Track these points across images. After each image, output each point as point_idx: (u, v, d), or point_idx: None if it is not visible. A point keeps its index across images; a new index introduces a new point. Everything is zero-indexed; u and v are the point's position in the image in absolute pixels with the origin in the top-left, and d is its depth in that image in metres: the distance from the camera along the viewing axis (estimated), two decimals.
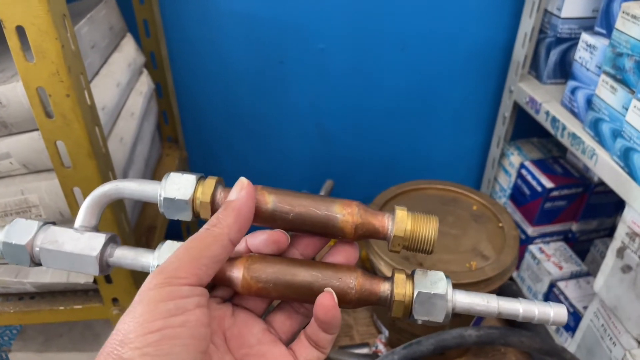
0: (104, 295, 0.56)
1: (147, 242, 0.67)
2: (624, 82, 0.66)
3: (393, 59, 0.97)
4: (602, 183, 0.87)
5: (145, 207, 0.72)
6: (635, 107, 0.62)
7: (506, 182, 1.01)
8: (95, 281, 0.55)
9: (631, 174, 0.63)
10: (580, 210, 0.91)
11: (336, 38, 0.93)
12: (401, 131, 1.07)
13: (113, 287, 0.55)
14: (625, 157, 0.64)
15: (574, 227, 0.94)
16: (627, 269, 0.69)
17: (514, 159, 0.98)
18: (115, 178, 0.50)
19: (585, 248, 0.96)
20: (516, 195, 0.97)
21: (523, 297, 0.64)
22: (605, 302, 0.74)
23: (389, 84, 1.00)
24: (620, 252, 0.70)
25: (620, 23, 0.66)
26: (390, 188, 0.66)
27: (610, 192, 0.89)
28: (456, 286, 0.52)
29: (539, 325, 0.59)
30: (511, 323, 0.63)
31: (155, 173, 0.81)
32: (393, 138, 1.08)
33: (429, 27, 0.94)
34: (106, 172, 0.48)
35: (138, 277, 0.56)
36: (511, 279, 0.79)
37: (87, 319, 0.60)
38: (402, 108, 1.04)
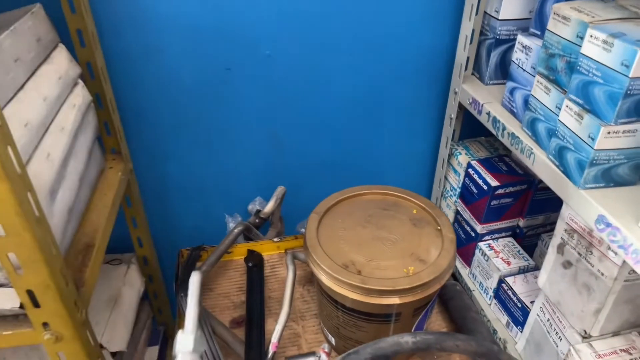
0: (32, 320, 0.54)
1: (84, 261, 0.64)
2: (556, 82, 0.68)
3: (340, 64, 0.97)
4: None
5: (83, 223, 0.69)
6: (567, 106, 0.64)
7: (456, 181, 1.02)
8: (22, 306, 0.53)
9: (565, 172, 0.65)
10: (526, 207, 0.93)
11: (282, 44, 0.92)
12: (353, 135, 1.07)
13: (41, 311, 0.53)
14: (559, 156, 0.66)
15: (521, 223, 0.96)
16: (567, 264, 0.71)
17: (462, 158, 0.99)
18: (34, 199, 0.48)
19: (533, 243, 0.98)
20: (465, 194, 0.99)
21: (467, 297, 0.65)
22: (549, 298, 0.76)
23: (338, 89, 1.00)
24: (561, 248, 0.72)
25: (551, 24, 0.68)
26: (332, 195, 0.66)
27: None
28: (395, 292, 0.52)
29: (481, 326, 0.60)
30: (457, 329, 0.64)
31: (96, 187, 0.79)
32: (345, 142, 1.08)
33: (373, 32, 0.94)
34: (23, 193, 0.46)
35: (67, 299, 0.53)
36: (455, 278, 0.80)
37: (18, 344, 0.57)
38: (353, 112, 1.04)
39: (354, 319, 0.57)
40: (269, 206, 0.85)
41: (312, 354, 0.58)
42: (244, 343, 0.60)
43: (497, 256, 0.92)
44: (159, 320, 1.13)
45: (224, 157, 1.02)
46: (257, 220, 0.84)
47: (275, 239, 0.79)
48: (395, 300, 0.51)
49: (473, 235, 0.97)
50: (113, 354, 0.83)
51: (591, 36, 0.58)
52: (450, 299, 0.65)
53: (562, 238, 0.71)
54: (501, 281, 0.89)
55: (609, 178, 0.61)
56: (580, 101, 0.61)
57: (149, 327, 1.07)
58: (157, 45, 0.87)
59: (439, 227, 0.59)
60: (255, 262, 0.74)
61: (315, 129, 1.04)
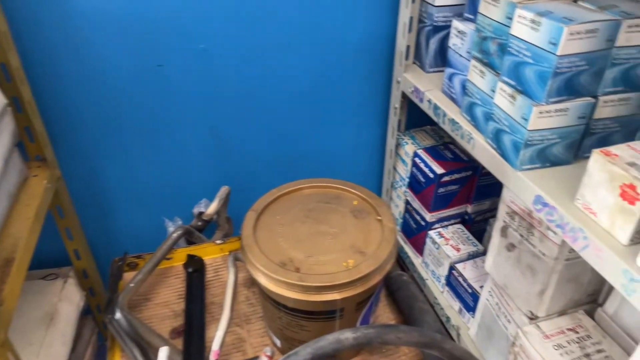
0: None
1: (2, 278, 0.59)
2: (490, 65, 0.67)
3: (280, 56, 0.94)
4: None
5: (1, 237, 0.63)
6: (500, 89, 0.63)
7: (404, 171, 1.02)
8: None
9: (503, 155, 0.65)
10: (472, 193, 0.94)
11: (217, 37, 0.88)
12: (299, 129, 1.05)
13: None
14: (496, 139, 0.66)
15: (469, 209, 0.96)
16: (511, 247, 0.71)
17: (409, 148, 0.98)
18: None
19: (482, 228, 0.99)
20: (413, 183, 0.98)
21: (415, 287, 0.64)
22: (496, 281, 0.76)
23: (280, 82, 0.97)
24: (504, 231, 0.72)
25: (482, 7, 0.68)
26: (271, 191, 0.63)
27: None
28: (334, 288, 0.50)
29: (428, 315, 0.58)
30: (405, 320, 0.63)
31: (17, 197, 0.73)
32: (291, 136, 1.05)
33: (312, 23, 0.92)
34: None
35: None
36: (402, 268, 0.79)
37: None
38: (297, 105, 1.02)
39: (296, 319, 0.54)
40: (212, 207, 0.81)
41: (255, 359, 0.55)
42: (182, 353, 0.56)
43: (447, 243, 0.92)
44: (105, 335, 1.07)
45: (164, 158, 0.98)
46: (199, 223, 0.80)
47: (218, 241, 0.76)
48: (335, 295, 0.49)
49: (423, 224, 0.97)
50: None
51: (519, 16, 0.58)
52: (398, 290, 0.64)
53: (504, 221, 0.71)
54: (452, 268, 0.89)
55: (545, 158, 0.61)
56: (513, 82, 0.61)
57: (94, 343, 1.01)
58: (80, 42, 0.81)
59: (379, 217, 0.57)
60: (195, 268, 0.70)
61: (259, 125, 1.01)
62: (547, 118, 0.58)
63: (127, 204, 1.00)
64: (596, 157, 0.52)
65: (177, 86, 0.90)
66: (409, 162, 0.98)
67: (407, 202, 1.03)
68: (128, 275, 0.69)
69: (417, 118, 1.03)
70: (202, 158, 1.01)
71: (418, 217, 0.98)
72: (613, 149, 0.52)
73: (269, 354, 0.51)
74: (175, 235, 0.71)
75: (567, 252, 0.63)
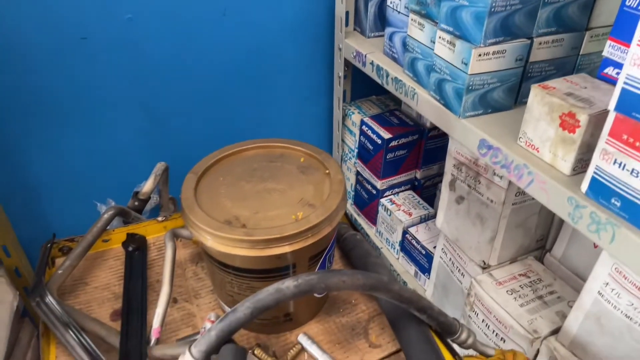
0: None
1: None
2: (428, 16, 0.67)
3: (214, 25, 0.90)
4: (434, 127, 0.90)
5: None
6: (439, 37, 0.63)
7: (352, 142, 1.00)
8: None
9: (446, 104, 0.64)
10: (420, 158, 0.94)
11: (145, 5, 0.83)
12: (241, 102, 1.01)
13: None
14: (439, 89, 0.65)
15: (418, 174, 0.96)
16: (460, 199, 0.71)
17: (355, 117, 0.97)
18: None
19: (432, 193, 0.99)
20: (362, 152, 0.97)
21: (368, 245, 0.62)
22: (448, 236, 0.76)
23: (214, 53, 0.93)
24: (452, 185, 0.72)
25: None
26: (212, 153, 0.60)
27: (442, 135, 0.93)
28: (283, 239, 0.47)
29: (382, 268, 0.57)
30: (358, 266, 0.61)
31: None
32: (233, 110, 1.01)
33: None
34: None
35: None
36: (354, 228, 0.76)
37: None
38: (237, 77, 0.98)
39: (247, 280, 0.51)
40: (147, 185, 0.76)
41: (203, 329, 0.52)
42: (120, 334, 0.52)
43: (399, 209, 0.92)
44: None
45: (94, 139, 0.91)
46: (136, 203, 0.75)
47: (160, 218, 0.71)
48: (285, 248, 0.47)
49: (374, 192, 0.96)
50: None
51: None
52: (352, 250, 0.62)
53: (452, 174, 0.71)
54: (405, 232, 0.89)
55: (486, 104, 0.61)
56: (451, 29, 0.60)
57: (35, 347, 0.93)
58: None
59: (327, 171, 0.55)
60: (136, 246, 0.66)
61: (195, 98, 0.96)
62: (486, 61, 0.58)
63: (58, 193, 0.93)
64: (535, 91, 0.52)
65: (103, 60, 0.84)
66: (357, 132, 0.97)
67: (358, 173, 1.02)
68: (60, 261, 0.63)
69: (362, 89, 1.02)
70: (138, 136, 0.95)
71: (369, 187, 0.97)
72: (551, 82, 0.53)
73: (213, 318, 0.47)
74: (106, 215, 0.66)
75: (514, 196, 0.63)
